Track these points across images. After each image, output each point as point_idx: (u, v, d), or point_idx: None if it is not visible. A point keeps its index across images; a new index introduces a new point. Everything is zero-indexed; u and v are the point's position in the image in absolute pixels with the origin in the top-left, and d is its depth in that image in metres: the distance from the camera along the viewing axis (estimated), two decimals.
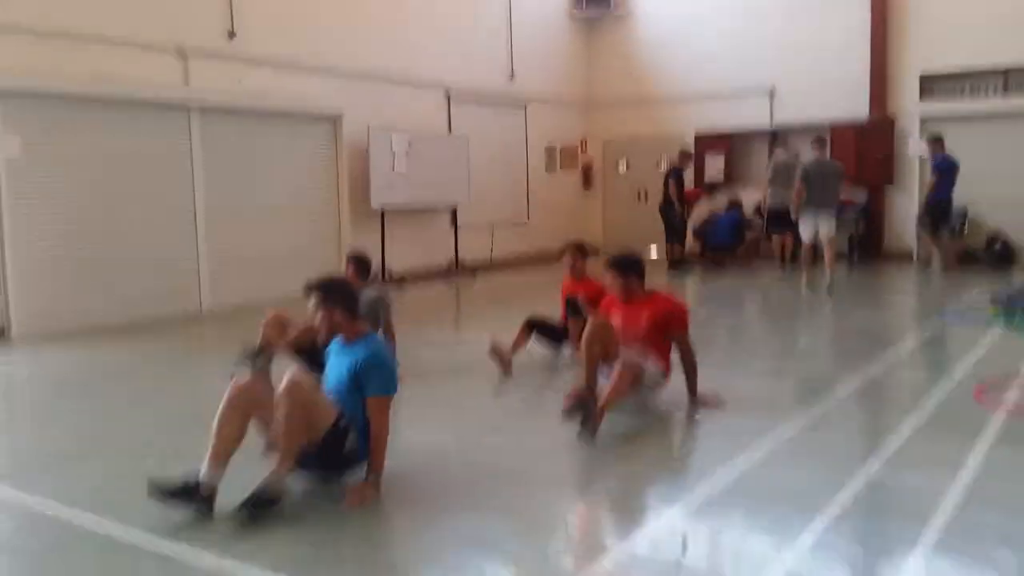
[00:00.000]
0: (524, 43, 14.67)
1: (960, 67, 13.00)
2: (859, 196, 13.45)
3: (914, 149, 13.14)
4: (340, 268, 11.06)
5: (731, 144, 14.84)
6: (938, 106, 13.19)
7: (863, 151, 13.46)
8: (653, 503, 3.76)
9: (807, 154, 12.06)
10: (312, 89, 10.94)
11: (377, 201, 11.55)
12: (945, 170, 11.47)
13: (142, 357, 7.31)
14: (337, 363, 3.86)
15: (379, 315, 5.74)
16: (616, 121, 16.26)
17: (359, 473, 3.69)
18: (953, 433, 4.46)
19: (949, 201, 11.54)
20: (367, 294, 5.57)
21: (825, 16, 13.86)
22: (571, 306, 6.03)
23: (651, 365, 4.77)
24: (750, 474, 3.87)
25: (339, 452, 3.68)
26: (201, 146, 9.74)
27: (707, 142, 15.06)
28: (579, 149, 16.48)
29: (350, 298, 3.91)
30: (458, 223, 13.30)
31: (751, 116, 14.68)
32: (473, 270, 13.09)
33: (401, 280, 11.74)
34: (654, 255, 14.02)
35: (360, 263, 6.18)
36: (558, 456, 4.27)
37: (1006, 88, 12.84)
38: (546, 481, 3.91)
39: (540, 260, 14.88)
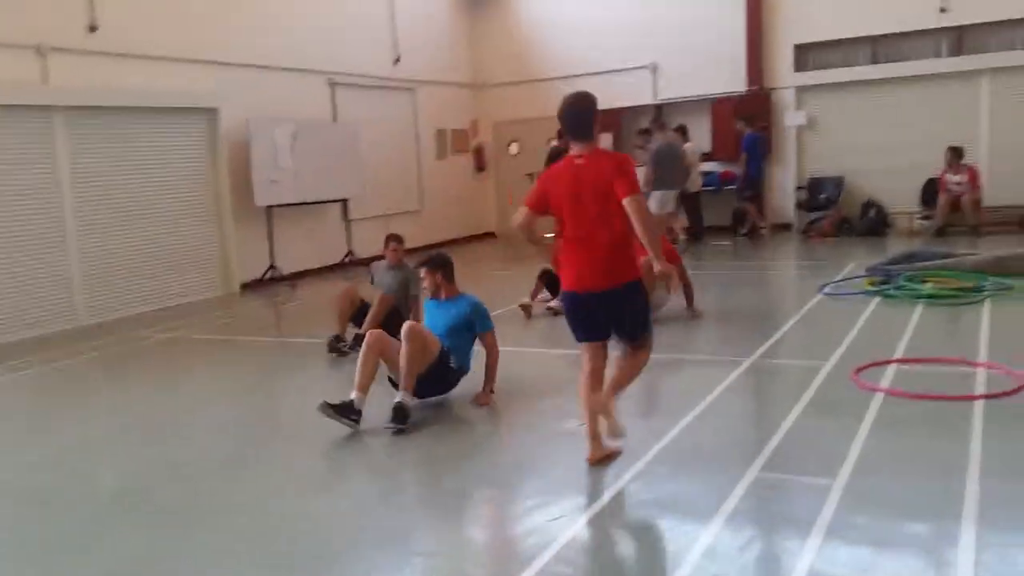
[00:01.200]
0: (408, 25, 14.38)
1: (831, 37, 13.46)
2: (739, 169, 13.79)
3: (791, 119, 13.55)
4: (227, 271, 10.85)
5: (620, 121, 14.97)
6: (812, 75, 13.64)
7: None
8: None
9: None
10: (184, 81, 10.43)
11: (262, 198, 11.14)
12: (751, 147, 12.88)
13: (13, 388, 6.86)
14: (440, 313, 5.41)
15: (410, 288, 6.91)
16: (506, 102, 16.20)
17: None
18: (835, 422, 4.60)
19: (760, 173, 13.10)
20: (403, 271, 7.08)
21: None
22: None
23: None
24: (633, 490, 3.89)
25: (444, 374, 5.22)
26: (67, 149, 9.15)
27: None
28: (470, 132, 16.34)
29: (448, 267, 5.49)
30: (350, 216, 12.99)
31: (636, 93, 14.87)
32: (368, 264, 12.79)
33: (291, 282, 11.38)
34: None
35: (399, 241, 7.39)
36: None
37: (875, 56, 13.37)
38: None
39: (438, 247, 14.74)
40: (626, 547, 3.48)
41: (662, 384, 5.68)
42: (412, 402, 4.92)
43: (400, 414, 4.80)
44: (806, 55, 13.80)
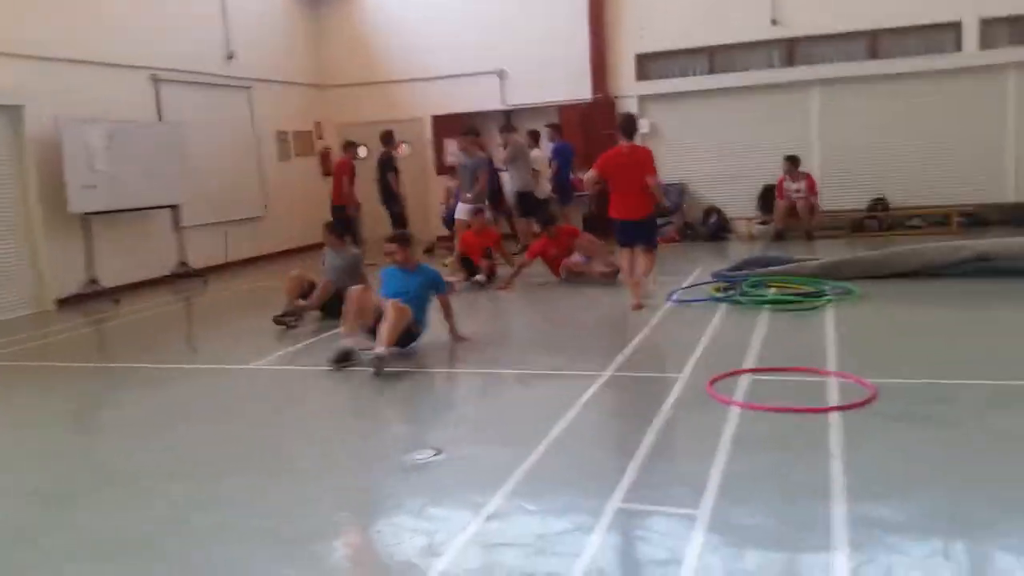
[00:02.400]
0: (242, 20, 13.54)
1: (671, 47, 13.74)
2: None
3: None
4: (40, 286, 9.72)
5: (468, 126, 14.67)
6: (652, 84, 13.88)
7: (589, 131, 13.86)
8: None
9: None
10: None
11: (76, 205, 10.06)
12: (560, 153, 12.66)
13: None
14: (403, 280, 6.70)
15: (358, 269, 8.22)
16: (351, 105, 15.61)
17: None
18: (693, 440, 4.45)
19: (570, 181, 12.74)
20: (350, 253, 8.44)
21: (546, 1, 14.07)
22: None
23: None
24: (492, 531, 3.56)
25: (411, 334, 6.51)
26: None
27: (444, 125, 14.87)
28: (313, 134, 15.61)
29: (412, 243, 7.09)
30: (182, 224, 12.01)
31: (484, 98, 14.69)
32: (202, 275, 11.90)
33: (114, 296, 10.35)
34: None
35: (333, 229, 8.60)
36: None
37: (712, 67, 13.74)
38: None
39: (283, 256, 13.99)
40: None
41: (518, 403, 5.40)
42: (389, 353, 6.05)
43: (379, 362, 5.92)
44: (648, 65, 14.04)
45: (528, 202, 11.87)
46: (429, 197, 15.00)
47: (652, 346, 6.71)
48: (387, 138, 12.48)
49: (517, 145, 11.98)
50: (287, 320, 7.89)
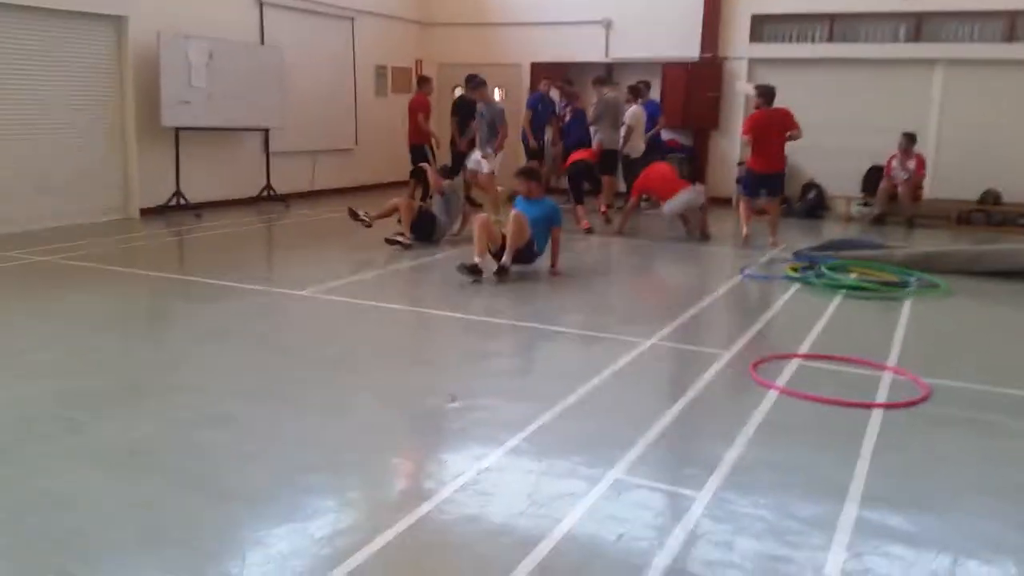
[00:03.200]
0: None
1: (790, 10, 13.00)
2: (685, 139, 13.37)
3: (741, 88, 13.08)
4: (127, 194, 10.09)
5: (568, 76, 14.35)
6: (766, 48, 13.18)
7: (692, 92, 13.35)
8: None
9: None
10: None
11: (169, 119, 10.33)
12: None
13: None
14: (530, 208, 7.48)
15: (454, 202, 9.27)
16: (453, 44, 15.44)
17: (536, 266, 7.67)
18: (717, 421, 4.22)
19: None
20: (450, 185, 9.34)
21: None
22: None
23: None
24: (483, 485, 3.45)
25: (531, 252, 7.48)
26: None
27: (544, 72, 14.52)
28: (413, 71, 15.55)
29: (539, 177, 8.03)
30: (271, 149, 12.21)
31: (587, 49, 14.28)
32: (285, 200, 12.11)
33: (197, 211, 10.64)
34: None
35: (443, 170, 9.82)
36: None
37: (831, 34, 12.95)
38: None
39: (368, 190, 14.11)
40: (448, 555, 3.01)
41: (550, 363, 5.25)
42: (509, 264, 7.21)
43: (501, 271, 7.20)
44: (762, 26, 13.32)
45: (609, 160, 11.40)
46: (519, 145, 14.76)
47: (708, 318, 6.42)
48: (471, 81, 12.14)
49: (604, 99, 11.49)
50: (400, 240, 8.61)
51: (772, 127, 9.32)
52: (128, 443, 3.75)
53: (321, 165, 13.32)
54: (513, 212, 7.35)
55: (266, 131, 12.00)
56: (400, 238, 8.69)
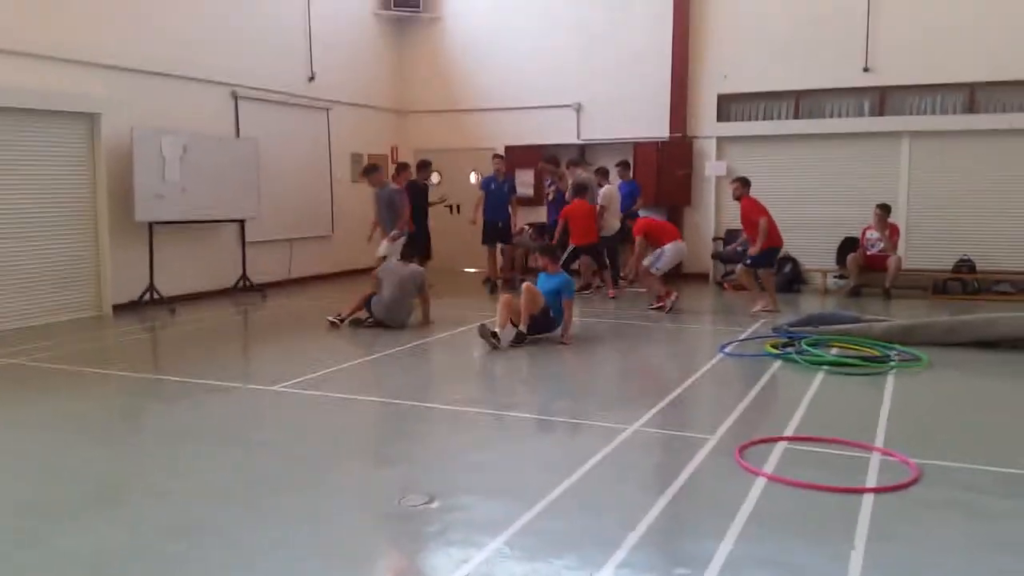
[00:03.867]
0: (326, 42, 13.75)
1: (756, 89, 13.32)
2: (659, 216, 13.47)
3: (711, 169, 13.31)
4: (99, 290, 9.94)
5: (540, 158, 14.57)
6: (733, 126, 13.46)
7: (664, 170, 13.55)
8: None
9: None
10: (63, 83, 9.58)
11: (143, 214, 10.28)
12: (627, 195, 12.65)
13: None
14: (546, 282, 8.42)
15: (421, 283, 9.26)
16: (428, 131, 15.69)
17: (555, 334, 8.37)
18: (706, 513, 4.08)
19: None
20: (410, 269, 9.26)
21: (629, 36, 13.95)
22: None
23: None
24: None
25: (547, 320, 8.31)
26: None
27: (518, 156, 14.76)
28: (389, 158, 15.71)
29: (556, 254, 8.90)
30: (246, 238, 12.16)
31: (560, 131, 14.56)
32: (261, 289, 12.01)
33: (171, 306, 10.50)
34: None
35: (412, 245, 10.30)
36: None
37: (797, 111, 13.26)
38: None
39: (346, 275, 14.08)
40: None
41: (531, 454, 5.10)
42: (524, 331, 8.08)
43: (519, 337, 8.03)
44: (729, 105, 13.63)
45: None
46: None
47: (691, 400, 6.32)
48: (421, 166, 12.66)
49: (579, 180, 11.73)
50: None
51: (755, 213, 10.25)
52: (91, 556, 3.56)
53: (298, 253, 13.29)
54: (525, 285, 8.44)
55: (242, 221, 11.98)
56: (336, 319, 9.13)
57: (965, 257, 11.92)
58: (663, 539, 3.74)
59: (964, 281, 11.71)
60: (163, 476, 4.61)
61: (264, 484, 4.45)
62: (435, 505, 4.07)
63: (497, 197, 12.59)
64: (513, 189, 12.90)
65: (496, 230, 12.59)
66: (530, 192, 14.56)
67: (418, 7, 15.19)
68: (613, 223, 11.98)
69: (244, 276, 12.00)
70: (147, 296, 10.47)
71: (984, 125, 12.10)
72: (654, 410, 5.82)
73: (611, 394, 6.67)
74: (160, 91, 10.81)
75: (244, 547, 3.66)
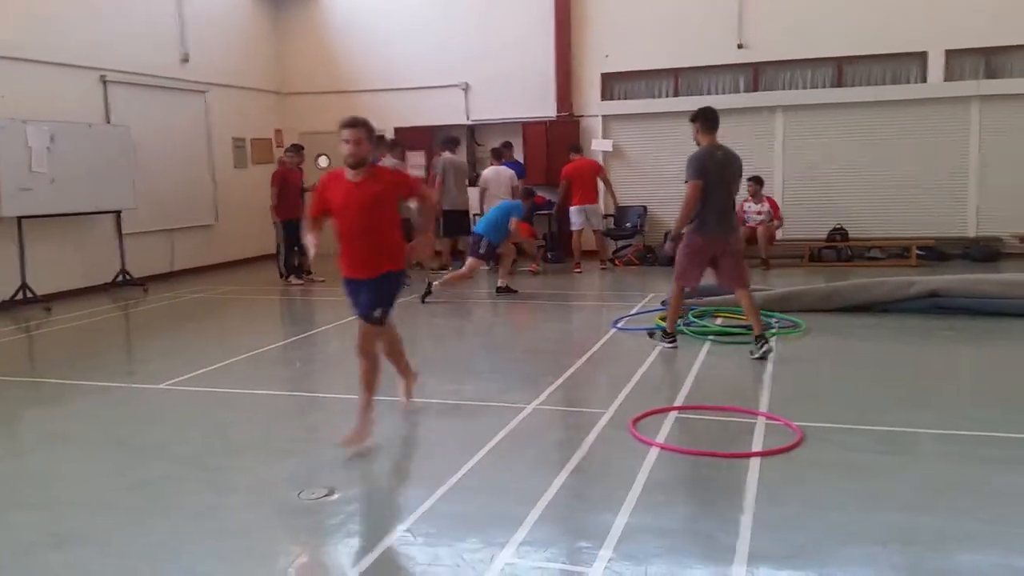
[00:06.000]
0: (199, 22, 13.21)
1: (636, 67, 13.59)
2: (549, 195, 13.63)
3: (597, 145, 13.52)
4: None
5: (432, 138, 14.48)
6: (617, 104, 13.70)
7: (552, 149, 13.65)
8: None
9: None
10: None
11: (10, 208, 9.68)
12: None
13: None
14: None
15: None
16: (313, 112, 15.29)
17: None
18: (603, 486, 4.18)
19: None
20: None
21: (513, 15, 13.95)
22: None
23: None
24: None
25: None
26: None
27: (407, 137, 14.59)
28: (273, 142, 15.28)
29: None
30: (123, 230, 11.60)
31: (448, 112, 14.46)
32: (143, 284, 11.51)
33: (46, 304, 9.95)
34: None
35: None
36: None
37: (676, 89, 13.60)
38: None
39: (232, 266, 13.66)
40: None
41: (429, 439, 5.10)
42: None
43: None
44: (613, 84, 13.87)
45: (453, 221, 11.77)
46: None
47: (586, 376, 6.45)
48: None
49: (445, 161, 11.81)
50: None
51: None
52: None
53: (180, 244, 12.80)
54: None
55: (118, 213, 11.42)
56: None
57: (838, 226, 12.55)
58: (563, 514, 3.82)
59: (838, 249, 12.33)
60: (40, 485, 4.39)
61: (151, 487, 4.29)
62: (335, 497, 4.03)
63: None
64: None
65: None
66: (422, 174, 14.42)
67: None
68: (494, 203, 12.13)
69: (123, 270, 11.47)
70: (19, 295, 9.88)
71: (851, 98, 12.72)
72: (551, 388, 5.91)
73: (509, 373, 6.72)
74: (22, 77, 10.16)
75: (129, 554, 3.53)
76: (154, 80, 12.33)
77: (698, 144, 6.98)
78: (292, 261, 11.86)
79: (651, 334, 7.27)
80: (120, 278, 11.42)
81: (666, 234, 8.96)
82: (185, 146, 13.03)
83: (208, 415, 5.65)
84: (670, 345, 6.95)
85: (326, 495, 4.03)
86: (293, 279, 11.71)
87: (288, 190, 11.75)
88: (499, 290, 10.14)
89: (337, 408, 5.71)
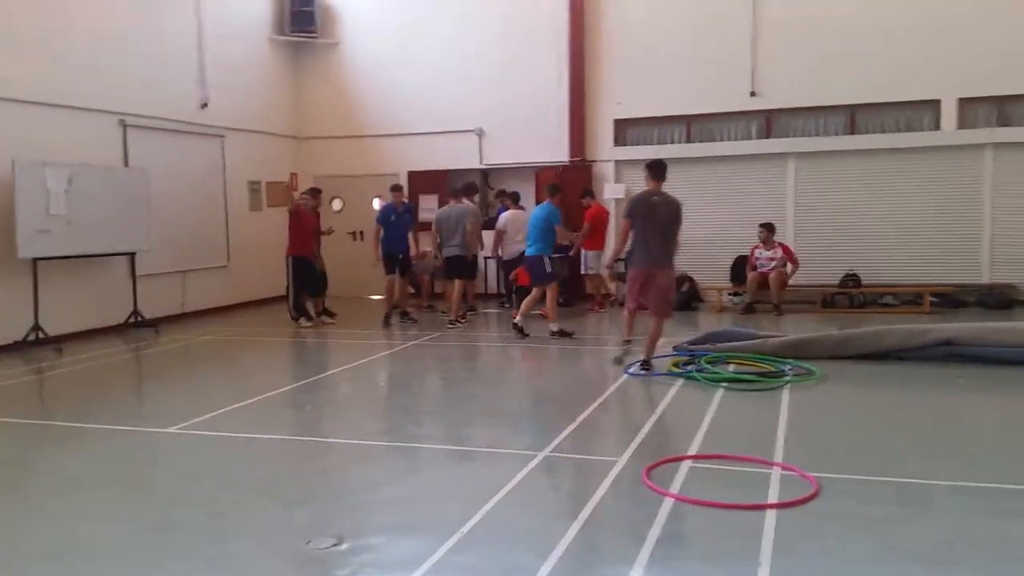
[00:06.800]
0: (219, 67, 13.43)
1: (648, 114, 13.71)
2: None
3: (610, 192, 13.58)
4: None
5: (446, 183, 14.60)
6: (629, 150, 13.80)
7: (565, 194, 13.67)
8: None
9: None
10: None
11: (27, 251, 9.77)
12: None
13: None
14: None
15: None
16: (328, 156, 15.49)
17: None
18: (617, 538, 4.11)
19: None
20: None
21: (528, 62, 14.15)
22: None
23: None
24: None
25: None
26: None
27: (421, 181, 14.77)
28: (289, 185, 15.42)
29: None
30: (138, 272, 11.67)
31: (462, 156, 14.61)
32: (155, 325, 11.56)
33: (57, 345, 9.99)
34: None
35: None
36: None
37: (689, 135, 13.69)
38: None
39: (243, 307, 13.72)
40: None
41: (441, 487, 5.04)
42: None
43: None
44: (625, 130, 13.98)
45: (456, 265, 11.69)
46: None
47: (598, 423, 6.39)
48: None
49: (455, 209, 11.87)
50: None
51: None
52: None
53: (193, 285, 12.87)
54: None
55: (132, 254, 11.51)
56: None
57: (851, 272, 12.52)
58: (576, 567, 3.75)
59: (851, 295, 12.28)
60: (50, 533, 4.34)
61: (162, 532, 4.25)
62: (344, 547, 3.97)
63: (397, 228, 11.74)
64: (413, 218, 12.47)
65: (396, 262, 11.76)
66: (433, 217, 14.54)
67: (315, 33, 15.03)
68: (510, 248, 12.24)
69: (136, 311, 11.52)
70: (32, 336, 9.92)
71: (864, 145, 12.78)
72: (563, 434, 5.86)
73: (520, 419, 6.67)
74: (43, 121, 10.33)
75: None
76: (172, 124, 12.51)
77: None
78: (302, 302, 11.90)
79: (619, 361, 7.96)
80: (132, 319, 11.46)
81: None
82: (200, 189, 13.17)
83: (218, 460, 5.62)
84: (644, 372, 7.75)
85: (335, 544, 3.98)
86: (303, 321, 11.73)
87: (301, 228, 11.84)
88: (553, 333, 10.06)
89: (347, 453, 5.67)
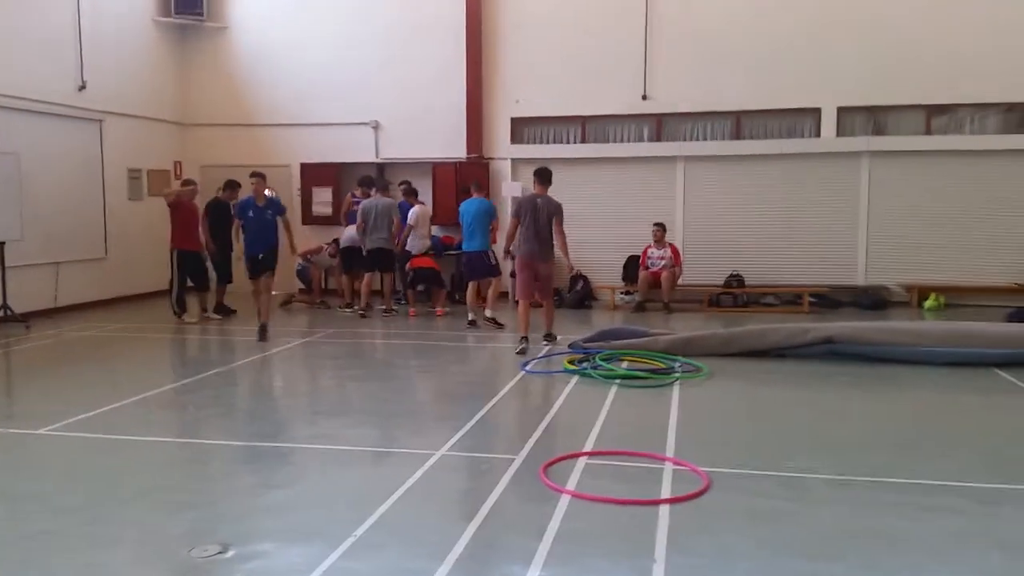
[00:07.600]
0: (98, 48, 12.74)
1: (544, 113, 13.81)
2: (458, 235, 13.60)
3: (507, 190, 13.61)
4: None
5: (340, 176, 14.32)
6: (526, 148, 13.86)
7: (461, 189, 13.64)
8: None
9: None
10: None
11: None
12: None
13: None
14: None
15: None
16: (216, 145, 14.92)
17: None
18: (514, 537, 4.09)
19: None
20: None
21: (425, 56, 14.01)
22: None
23: None
24: None
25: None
26: None
27: (314, 173, 14.42)
28: (173, 174, 14.77)
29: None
30: (7, 262, 10.90)
31: (358, 150, 14.34)
32: (25, 320, 10.84)
33: None
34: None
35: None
36: None
37: (584, 135, 13.87)
38: None
39: (122, 302, 13.06)
40: None
41: (334, 489, 4.88)
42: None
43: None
44: (522, 128, 14.03)
45: (381, 258, 11.68)
46: None
47: (495, 420, 6.36)
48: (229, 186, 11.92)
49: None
50: None
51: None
52: None
53: (67, 277, 12.15)
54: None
55: (1, 243, 10.75)
56: None
57: (735, 273, 12.96)
58: (474, 568, 3.70)
59: (735, 295, 12.71)
60: None
61: (28, 542, 3.96)
62: (230, 554, 3.80)
63: (257, 224, 9.97)
64: (279, 212, 10.22)
65: (256, 263, 10.01)
66: (328, 211, 14.27)
67: (202, 15, 14.43)
68: (422, 243, 12.08)
69: (4, 304, 10.77)
70: None
71: (749, 150, 13.23)
72: (460, 432, 5.81)
73: (417, 418, 6.58)
74: None
75: None
76: (46, 107, 11.77)
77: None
78: (184, 297, 11.42)
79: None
80: (1, 313, 10.72)
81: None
82: (77, 175, 12.46)
83: (93, 463, 5.30)
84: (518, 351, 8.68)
85: (219, 552, 3.80)
86: (186, 317, 11.26)
87: (183, 221, 11.38)
88: (487, 319, 10.65)
89: (233, 456, 5.45)
